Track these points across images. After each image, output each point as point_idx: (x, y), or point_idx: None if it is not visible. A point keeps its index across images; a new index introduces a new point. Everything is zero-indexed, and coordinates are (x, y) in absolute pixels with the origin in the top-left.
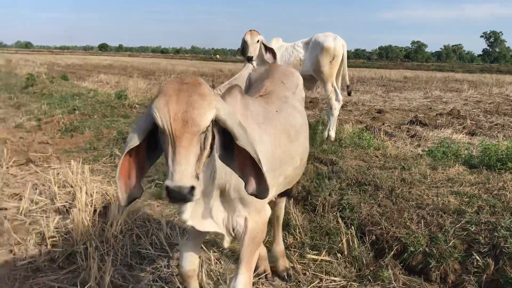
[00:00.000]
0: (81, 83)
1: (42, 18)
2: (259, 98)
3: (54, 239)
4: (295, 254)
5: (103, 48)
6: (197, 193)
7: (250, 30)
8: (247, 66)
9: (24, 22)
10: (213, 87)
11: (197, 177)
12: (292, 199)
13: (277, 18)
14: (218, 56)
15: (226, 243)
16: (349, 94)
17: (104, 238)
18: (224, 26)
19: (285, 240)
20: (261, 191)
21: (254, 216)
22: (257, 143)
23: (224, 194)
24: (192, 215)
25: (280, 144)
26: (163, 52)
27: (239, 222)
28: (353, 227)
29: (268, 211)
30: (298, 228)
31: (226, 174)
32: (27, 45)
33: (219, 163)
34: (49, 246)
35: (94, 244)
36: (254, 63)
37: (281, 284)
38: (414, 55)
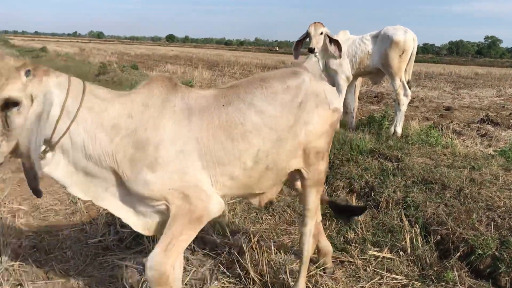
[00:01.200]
0: (149, 73)
1: (114, 9)
2: (216, 89)
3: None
4: (355, 249)
5: (170, 39)
6: None
7: (315, 22)
8: (310, 58)
9: (97, 13)
10: None
11: None
12: (354, 194)
13: (345, 11)
14: (277, 48)
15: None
16: None
17: None
18: (288, 18)
19: (346, 235)
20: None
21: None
22: (174, 139)
23: None
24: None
25: (215, 140)
26: (227, 44)
27: None
28: (417, 226)
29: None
30: (360, 224)
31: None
32: (99, 35)
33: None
34: (118, 227)
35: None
36: (318, 55)
37: (341, 279)
38: (487, 51)
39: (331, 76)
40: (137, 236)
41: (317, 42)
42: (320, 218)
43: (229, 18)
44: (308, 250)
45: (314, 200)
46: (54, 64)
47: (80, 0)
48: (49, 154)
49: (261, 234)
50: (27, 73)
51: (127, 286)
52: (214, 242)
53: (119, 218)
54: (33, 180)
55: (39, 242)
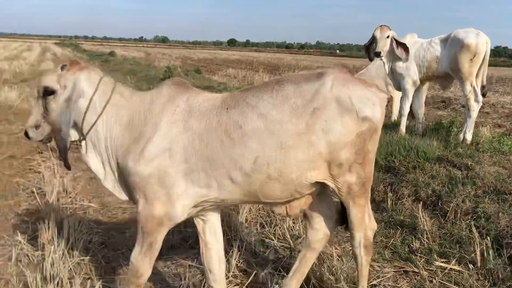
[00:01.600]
0: (211, 77)
1: (177, 14)
2: (230, 93)
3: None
4: (421, 259)
5: (232, 43)
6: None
7: (381, 26)
8: (374, 61)
9: (162, 18)
10: None
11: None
12: (421, 202)
13: (413, 13)
14: (338, 51)
15: None
16: (483, 95)
17: (232, 224)
18: (352, 21)
19: (411, 245)
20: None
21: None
22: (164, 136)
23: None
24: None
25: (210, 142)
26: (287, 47)
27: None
28: (488, 238)
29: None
30: (426, 233)
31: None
32: (164, 40)
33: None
34: (181, 226)
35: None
36: (384, 58)
37: None
38: None
39: (397, 80)
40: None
41: (383, 46)
42: (375, 225)
43: (290, 21)
44: (361, 263)
45: (354, 213)
46: (122, 68)
47: (146, 6)
48: (83, 143)
49: None
50: (63, 68)
51: (190, 285)
52: (275, 247)
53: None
54: (63, 154)
55: (107, 239)
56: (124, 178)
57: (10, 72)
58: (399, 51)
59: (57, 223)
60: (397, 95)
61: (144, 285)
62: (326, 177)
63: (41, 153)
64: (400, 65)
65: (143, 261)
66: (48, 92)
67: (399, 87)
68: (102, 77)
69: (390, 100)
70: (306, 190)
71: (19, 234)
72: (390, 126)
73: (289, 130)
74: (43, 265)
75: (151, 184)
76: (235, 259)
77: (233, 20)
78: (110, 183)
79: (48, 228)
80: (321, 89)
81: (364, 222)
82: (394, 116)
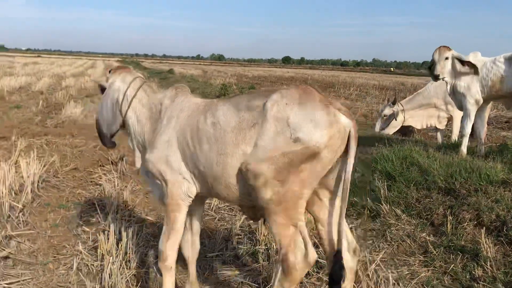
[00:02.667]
0: None
1: (233, 32)
2: (215, 99)
3: (239, 236)
4: None
5: (286, 61)
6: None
7: (440, 47)
8: (431, 82)
9: (218, 37)
10: (394, 101)
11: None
12: (483, 228)
13: (475, 31)
14: (392, 69)
15: None
16: None
17: None
18: (409, 38)
19: (473, 272)
20: None
21: None
22: (157, 130)
23: None
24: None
25: (185, 139)
26: (342, 65)
27: None
28: None
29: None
30: (490, 261)
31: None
32: (220, 58)
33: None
34: (234, 243)
35: (275, 247)
36: (447, 79)
37: None
38: None
39: (458, 100)
40: (253, 254)
41: (441, 68)
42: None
43: (345, 39)
44: (274, 282)
45: (274, 231)
46: None
47: (203, 25)
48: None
49: (378, 263)
50: (109, 72)
51: None
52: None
53: (236, 235)
54: (110, 142)
55: None
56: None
57: (75, 88)
58: (465, 69)
59: (115, 234)
60: (458, 114)
61: (172, 269)
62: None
63: (103, 166)
64: (461, 84)
65: (166, 243)
66: (102, 88)
67: (460, 106)
68: (135, 77)
69: (450, 120)
70: (250, 197)
71: (80, 244)
72: (450, 146)
73: (229, 139)
74: (101, 275)
75: (165, 171)
76: None
77: (288, 38)
78: (139, 163)
79: (108, 239)
80: (265, 106)
81: (289, 243)
82: (455, 136)
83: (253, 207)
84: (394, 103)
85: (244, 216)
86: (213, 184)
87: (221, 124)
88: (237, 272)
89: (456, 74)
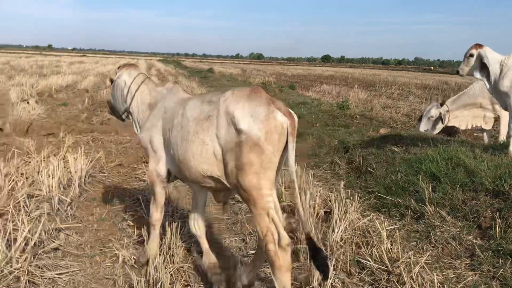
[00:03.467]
0: (305, 93)
1: (272, 31)
2: (197, 95)
3: None
4: None
5: (326, 59)
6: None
7: (475, 44)
8: (477, 81)
9: (257, 36)
10: (442, 103)
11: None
12: None
13: None
14: (432, 68)
15: None
16: None
17: (327, 242)
18: (453, 37)
19: None
20: None
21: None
22: (150, 115)
23: None
24: None
25: (166, 126)
26: (384, 63)
27: None
28: None
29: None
30: None
31: None
32: (259, 57)
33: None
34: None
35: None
36: (483, 78)
37: None
38: None
39: (502, 99)
40: (294, 252)
41: (464, 65)
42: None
43: (386, 37)
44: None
45: (256, 222)
46: (220, 84)
47: (243, 24)
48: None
49: (423, 265)
50: (119, 67)
51: None
52: (371, 268)
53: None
54: (117, 116)
55: None
56: None
57: None
58: (481, 73)
59: (159, 229)
60: (505, 114)
61: (156, 227)
62: (221, 174)
63: (146, 162)
64: (503, 84)
65: (152, 207)
66: (111, 81)
67: (505, 106)
68: (139, 73)
69: (497, 120)
70: (211, 181)
71: (125, 238)
72: (498, 147)
73: (190, 128)
74: (147, 269)
75: (148, 148)
76: (330, 278)
77: (328, 36)
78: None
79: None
80: (219, 101)
81: (266, 233)
82: (502, 137)
83: (218, 190)
84: (442, 104)
85: (285, 215)
86: (180, 166)
87: (187, 115)
88: None
89: (495, 72)
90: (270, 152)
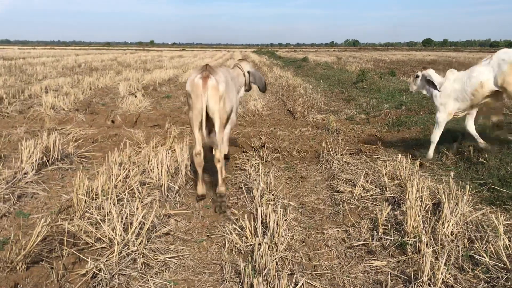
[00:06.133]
0: (406, 79)
1: (368, 17)
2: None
3: (385, 227)
4: None
5: (427, 43)
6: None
7: None
8: None
9: (353, 22)
10: None
11: None
12: None
13: None
14: None
15: None
16: None
17: (436, 235)
18: None
19: None
20: None
21: None
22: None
23: None
24: None
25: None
26: (492, 45)
27: None
28: None
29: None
30: None
31: None
32: (355, 43)
33: None
34: (380, 233)
35: (425, 240)
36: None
37: None
38: None
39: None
40: (400, 245)
41: (414, 84)
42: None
43: (494, 17)
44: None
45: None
46: (315, 73)
47: (336, 11)
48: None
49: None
50: (234, 66)
51: None
52: (486, 265)
53: (381, 225)
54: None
55: (307, 237)
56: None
57: None
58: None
59: (262, 217)
60: None
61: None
62: None
63: (246, 152)
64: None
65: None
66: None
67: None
68: (246, 60)
69: None
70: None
71: (229, 225)
72: None
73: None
74: (253, 256)
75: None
76: (442, 274)
77: (429, 19)
78: None
79: (255, 220)
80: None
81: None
82: None
83: None
84: None
85: (390, 207)
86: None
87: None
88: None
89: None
90: (193, 101)
